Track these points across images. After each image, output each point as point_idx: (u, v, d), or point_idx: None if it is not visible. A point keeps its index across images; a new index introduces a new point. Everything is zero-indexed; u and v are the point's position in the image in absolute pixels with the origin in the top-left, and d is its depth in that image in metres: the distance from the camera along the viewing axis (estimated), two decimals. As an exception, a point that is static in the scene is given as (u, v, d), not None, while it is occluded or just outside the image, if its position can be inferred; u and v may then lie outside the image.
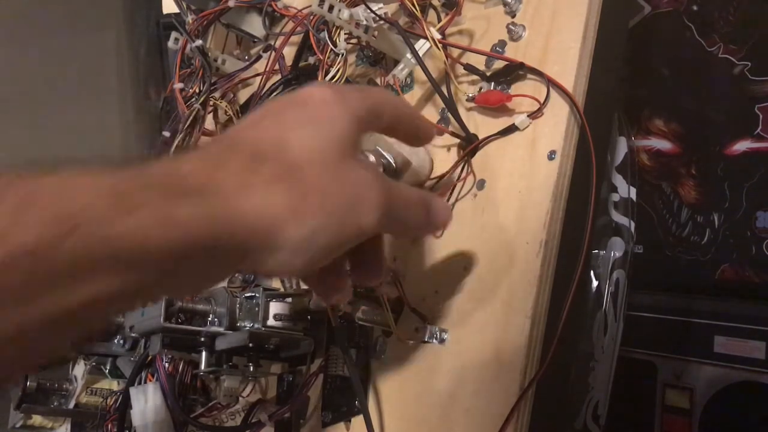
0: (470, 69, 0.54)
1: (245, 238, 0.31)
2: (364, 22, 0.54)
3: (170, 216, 0.28)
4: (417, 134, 0.43)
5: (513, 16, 0.54)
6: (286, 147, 0.33)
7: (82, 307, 0.27)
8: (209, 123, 0.75)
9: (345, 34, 0.56)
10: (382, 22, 0.54)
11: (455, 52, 0.56)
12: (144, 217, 0.28)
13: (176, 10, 0.80)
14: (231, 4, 0.72)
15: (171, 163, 0.32)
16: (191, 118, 0.69)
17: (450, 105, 0.53)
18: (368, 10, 0.53)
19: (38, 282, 0.25)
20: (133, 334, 0.57)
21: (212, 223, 0.30)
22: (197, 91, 0.72)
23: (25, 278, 0.25)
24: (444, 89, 0.54)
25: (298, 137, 0.33)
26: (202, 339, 0.55)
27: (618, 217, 0.59)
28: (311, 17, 0.58)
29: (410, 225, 0.40)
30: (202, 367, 0.56)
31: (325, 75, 0.56)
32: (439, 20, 0.56)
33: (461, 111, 0.54)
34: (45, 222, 0.26)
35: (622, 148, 0.60)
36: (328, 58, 0.57)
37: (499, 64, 0.53)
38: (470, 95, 0.54)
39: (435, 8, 0.57)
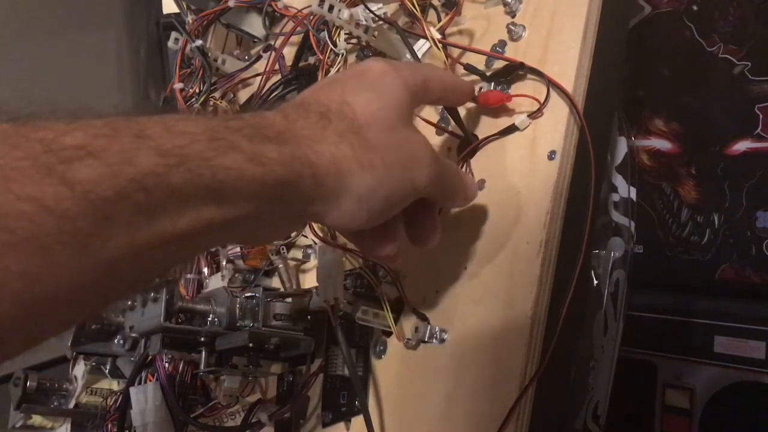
0: (470, 69, 0.54)
1: (319, 180, 0.35)
2: (364, 22, 0.54)
3: (259, 155, 0.32)
4: (460, 101, 0.50)
5: (513, 16, 0.54)
6: (350, 108, 0.37)
7: (186, 232, 0.30)
8: (209, 123, 0.74)
9: (345, 34, 0.56)
10: (381, 22, 0.54)
11: (455, 52, 0.56)
12: (237, 155, 0.31)
13: (176, 10, 0.79)
14: (231, 4, 0.72)
15: (252, 116, 0.35)
16: (191, 118, 0.69)
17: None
18: (368, 10, 0.53)
19: (152, 209, 0.29)
20: (133, 334, 0.57)
21: (293, 163, 0.33)
22: (197, 91, 0.72)
23: (138, 207, 0.28)
24: (444, 89, 0.54)
25: (360, 101, 0.37)
26: (202, 339, 0.55)
27: (618, 217, 0.59)
28: (311, 17, 0.58)
29: (450, 191, 0.44)
30: (202, 367, 0.56)
31: (325, 75, 0.57)
32: (439, 20, 0.56)
33: (461, 111, 0.54)
34: (159, 153, 0.29)
35: (622, 148, 0.60)
36: (328, 58, 0.57)
37: (499, 64, 0.53)
38: (470, 95, 0.54)
39: (435, 8, 0.57)
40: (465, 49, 0.55)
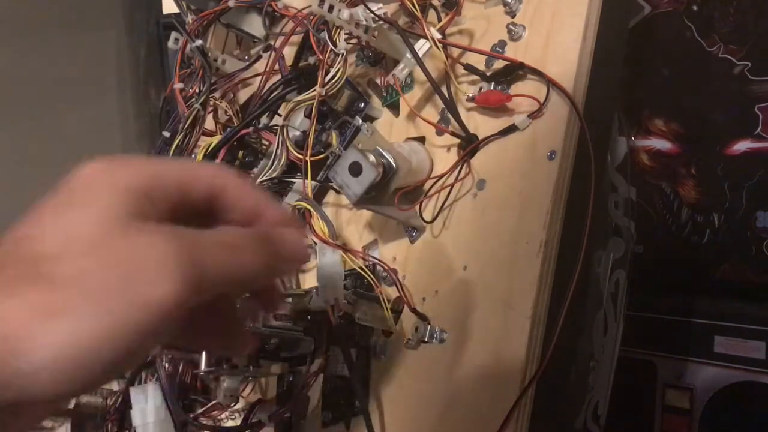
0: (470, 69, 0.54)
1: None
2: (364, 22, 0.54)
3: None
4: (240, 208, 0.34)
5: (513, 16, 0.54)
6: (36, 240, 0.28)
7: None
8: (209, 123, 0.75)
9: (345, 34, 0.56)
10: (381, 22, 0.54)
11: (455, 52, 0.56)
12: None
13: (176, 10, 0.79)
14: (231, 4, 0.72)
15: None
16: (191, 118, 0.69)
17: (450, 105, 0.53)
18: (368, 10, 0.53)
19: None
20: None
21: None
22: (197, 91, 0.72)
23: None
24: (444, 89, 0.54)
25: (52, 227, 0.29)
26: (202, 339, 0.55)
27: (618, 217, 0.59)
28: (311, 17, 0.58)
29: (244, 274, 0.32)
30: (202, 367, 0.56)
31: (325, 75, 0.57)
32: (439, 20, 0.56)
33: (461, 111, 0.54)
34: None
35: (622, 148, 0.60)
36: (328, 58, 0.57)
37: (499, 64, 0.53)
38: (470, 95, 0.54)
39: (435, 8, 0.57)
40: (465, 49, 0.55)
